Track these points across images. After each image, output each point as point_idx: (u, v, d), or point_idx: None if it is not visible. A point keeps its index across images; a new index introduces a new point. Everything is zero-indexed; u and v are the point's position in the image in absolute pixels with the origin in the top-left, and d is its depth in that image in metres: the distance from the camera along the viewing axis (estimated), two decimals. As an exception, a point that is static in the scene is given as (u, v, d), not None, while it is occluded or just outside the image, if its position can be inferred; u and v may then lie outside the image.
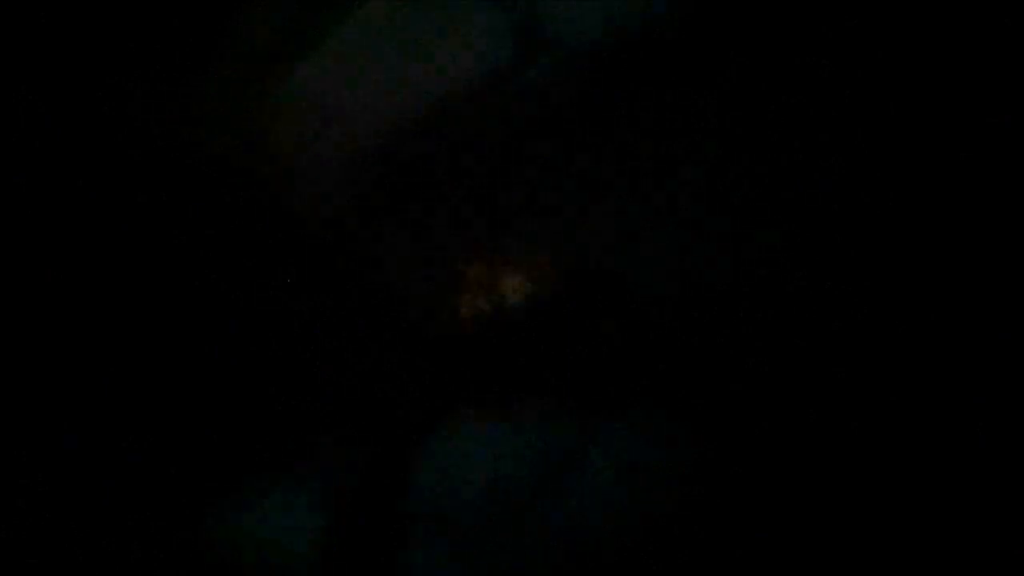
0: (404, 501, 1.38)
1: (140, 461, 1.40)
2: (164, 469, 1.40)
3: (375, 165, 1.47)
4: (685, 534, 1.36)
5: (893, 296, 1.43)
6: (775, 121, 1.47)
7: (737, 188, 1.46)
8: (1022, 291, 1.41)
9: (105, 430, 1.41)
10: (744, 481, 1.38)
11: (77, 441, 1.41)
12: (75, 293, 1.45)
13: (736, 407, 1.40)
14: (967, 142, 1.44)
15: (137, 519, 1.39)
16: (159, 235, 1.46)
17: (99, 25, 1.49)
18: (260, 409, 1.42)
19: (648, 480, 1.37)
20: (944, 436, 1.39)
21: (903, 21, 1.46)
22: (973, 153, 1.44)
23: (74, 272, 1.45)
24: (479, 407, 1.41)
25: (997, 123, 1.44)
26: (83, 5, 1.49)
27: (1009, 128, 1.44)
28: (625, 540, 1.36)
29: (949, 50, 1.45)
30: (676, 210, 1.46)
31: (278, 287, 1.46)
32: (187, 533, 1.38)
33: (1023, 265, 1.42)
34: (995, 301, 1.41)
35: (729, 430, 1.40)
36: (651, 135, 1.46)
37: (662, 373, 1.42)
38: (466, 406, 1.41)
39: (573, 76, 1.46)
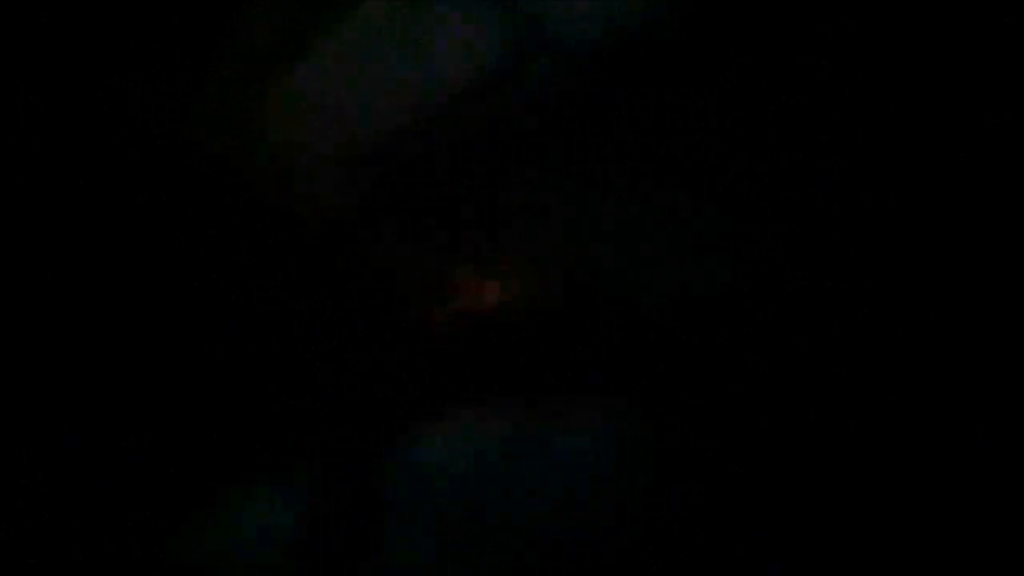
0: (382, 495, 1.39)
1: (139, 461, 1.40)
2: (157, 469, 1.40)
3: (375, 165, 1.47)
4: (657, 520, 1.37)
5: (893, 299, 1.43)
6: (775, 121, 1.46)
7: (737, 189, 1.46)
8: (1022, 291, 1.41)
9: (104, 430, 1.41)
10: (708, 466, 1.38)
11: (77, 441, 1.41)
12: (74, 293, 1.45)
13: (731, 406, 1.41)
14: (967, 142, 1.44)
15: (135, 519, 1.39)
16: (158, 235, 1.46)
17: (98, 25, 1.49)
18: (253, 408, 1.42)
19: (622, 470, 1.38)
20: (940, 436, 1.39)
21: (903, 21, 1.46)
22: (973, 153, 1.44)
23: (73, 272, 1.45)
24: (461, 404, 1.41)
25: (997, 123, 1.44)
26: (82, 5, 1.49)
27: (1009, 128, 1.44)
28: (598, 526, 1.37)
29: (949, 50, 1.45)
30: (676, 211, 1.46)
31: (276, 288, 1.46)
32: (173, 534, 1.38)
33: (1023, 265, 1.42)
34: (995, 302, 1.41)
35: (726, 429, 1.40)
36: (651, 135, 1.46)
37: (653, 373, 1.42)
38: (451, 404, 1.42)
39: (573, 76, 1.46)
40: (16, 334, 1.44)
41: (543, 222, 1.46)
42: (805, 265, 1.44)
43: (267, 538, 1.38)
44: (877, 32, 1.46)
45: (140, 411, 1.42)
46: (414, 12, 1.45)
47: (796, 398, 1.41)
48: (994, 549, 1.34)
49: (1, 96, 1.48)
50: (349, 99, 1.46)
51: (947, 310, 1.42)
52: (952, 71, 1.45)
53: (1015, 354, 1.40)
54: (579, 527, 1.37)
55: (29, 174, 1.47)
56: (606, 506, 1.37)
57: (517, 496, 1.37)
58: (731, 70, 1.46)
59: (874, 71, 1.46)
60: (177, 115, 1.49)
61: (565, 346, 1.44)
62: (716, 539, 1.37)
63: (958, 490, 1.37)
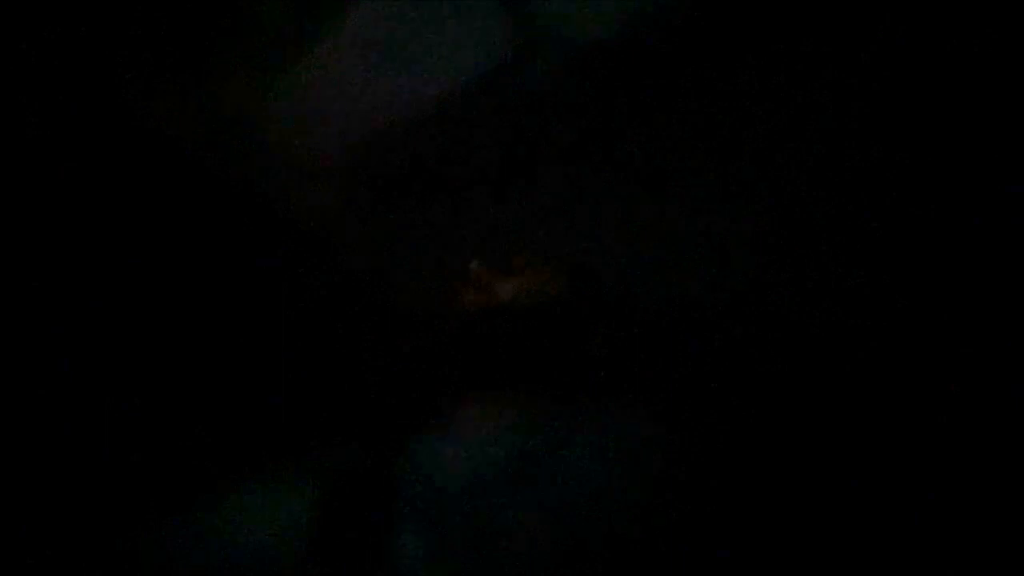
0: (393, 493, 1.39)
1: (137, 457, 1.40)
2: (158, 465, 1.40)
3: (374, 165, 1.47)
4: (660, 521, 1.37)
5: (896, 302, 1.43)
6: (776, 123, 1.47)
7: (737, 191, 1.46)
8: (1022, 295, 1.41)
9: (103, 428, 1.41)
10: (721, 474, 1.38)
11: (77, 435, 1.41)
12: (77, 292, 1.44)
13: (721, 406, 1.41)
14: (968, 144, 1.44)
15: (133, 515, 1.39)
16: (158, 235, 1.46)
17: (98, 26, 1.49)
18: (254, 406, 1.42)
19: (626, 470, 1.38)
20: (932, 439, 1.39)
21: (905, 21, 1.46)
22: (974, 157, 1.44)
23: (75, 271, 1.45)
24: (469, 403, 1.41)
25: (998, 124, 1.44)
26: (83, 6, 1.49)
27: (1010, 133, 1.44)
28: (602, 525, 1.37)
29: (951, 50, 1.45)
30: (674, 213, 1.46)
31: (276, 288, 1.46)
32: (178, 529, 1.38)
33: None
34: (994, 307, 1.41)
35: (712, 427, 1.40)
36: (651, 136, 1.46)
37: (649, 372, 1.42)
38: (455, 402, 1.42)
39: (573, 76, 1.46)
40: (16, 334, 1.43)
41: (543, 223, 1.46)
42: (813, 267, 1.44)
43: (280, 536, 1.38)
44: (880, 33, 1.46)
45: (149, 413, 1.42)
46: (414, 12, 1.45)
47: (804, 400, 1.41)
48: (994, 549, 1.35)
49: (2, 96, 1.48)
50: (350, 99, 1.46)
51: (949, 313, 1.42)
52: (954, 71, 1.45)
53: (1015, 356, 1.40)
54: (587, 526, 1.37)
55: (29, 174, 1.47)
56: (614, 506, 1.37)
57: (527, 495, 1.37)
58: (732, 71, 1.46)
59: (877, 73, 1.46)
60: (177, 115, 1.49)
61: (575, 346, 1.43)
62: (721, 539, 1.37)
63: (959, 493, 1.37)
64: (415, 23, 1.46)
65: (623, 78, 1.46)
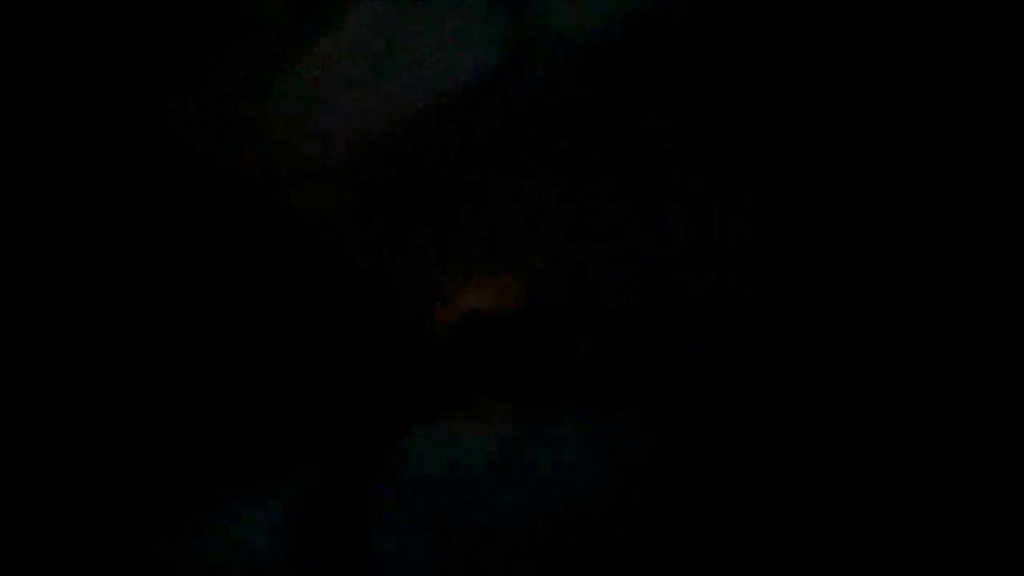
0: (375, 493, 1.39)
1: (120, 463, 1.40)
2: (149, 471, 1.40)
3: (373, 167, 1.47)
4: (643, 513, 1.37)
5: (892, 303, 1.43)
6: (777, 123, 1.46)
7: (737, 192, 1.46)
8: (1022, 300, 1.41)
9: (90, 432, 1.41)
10: (705, 469, 1.39)
11: (70, 440, 1.41)
12: (72, 293, 1.45)
13: (716, 406, 1.40)
14: (969, 143, 1.44)
15: (128, 521, 1.39)
16: (153, 234, 1.46)
17: (98, 26, 1.49)
18: (245, 411, 1.42)
19: (609, 464, 1.38)
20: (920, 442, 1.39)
21: (905, 21, 1.46)
22: (975, 156, 1.44)
23: (71, 272, 1.45)
24: (461, 401, 1.42)
25: (998, 124, 1.44)
26: (82, 6, 1.49)
27: (1010, 133, 1.44)
28: (585, 518, 1.37)
29: (951, 50, 1.45)
30: (677, 215, 1.46)
31: (272, 289, 1.46)
32: (159, 537, 1.38)
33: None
34: (994, 307, 1.41)
35: (706, 425, 1.40)
36: (651, 136, 1.46)
37: (645, 372, 1.42)
38: (447, 401, 1.42)
39: (573, 76, 1.46)
40: (12, 334, 1.44)
41: (542, 225, 1.46)
42: (808, 270, 1.44)
43: (259, 540, 1.38)
44: (881, 34, 1.46)
45: (133, 413, 1.42)
46: (412, 12, 1.45)
47: (796, 405, 1.41)
48: (994, 549, 1.34)
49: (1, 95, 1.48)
50: (348, 100, 1.46)
51: (952, 314, 1.42)
52: (954, 72, 1.45)
53: (1013, 359, 1.40)
54: (572, 532, 1.37)
55: (27, 173, 1.47)
56: (600, 511, 1.37)
57: (511, 501, 1.37)
58: (737, 70, 1.46)
59: (878, 75, 1.46)
60: (176, 115, 1.49)
61: (561, 351, 1.43)
62: (712, 545, 1.37)
63: (960, 497, 1.37)
64: (415, 23, 1.46)
65: (623, 78, 1.46)
